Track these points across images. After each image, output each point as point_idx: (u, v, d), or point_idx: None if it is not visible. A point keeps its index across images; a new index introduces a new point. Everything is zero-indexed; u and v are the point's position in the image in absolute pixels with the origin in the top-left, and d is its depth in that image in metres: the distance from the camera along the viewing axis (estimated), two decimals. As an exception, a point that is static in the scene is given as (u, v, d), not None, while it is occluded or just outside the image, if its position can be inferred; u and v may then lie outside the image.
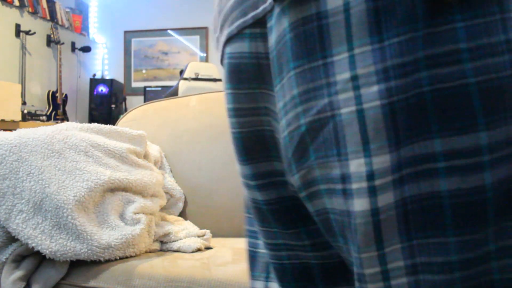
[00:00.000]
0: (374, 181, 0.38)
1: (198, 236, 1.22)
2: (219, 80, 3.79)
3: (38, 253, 0.99)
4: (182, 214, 1.45)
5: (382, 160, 0.38)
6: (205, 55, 5.62)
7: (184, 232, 1.22)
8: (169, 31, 5.65)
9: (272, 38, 0.45)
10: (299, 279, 0.52)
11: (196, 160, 1.50)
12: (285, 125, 0.44)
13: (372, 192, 0.38)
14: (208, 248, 1.19)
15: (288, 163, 0.45)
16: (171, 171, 1.51)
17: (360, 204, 0.38)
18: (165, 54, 5.69)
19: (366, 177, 0.38)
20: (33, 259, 1.00)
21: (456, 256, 0.37)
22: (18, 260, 1.00)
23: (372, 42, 0.37)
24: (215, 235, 1.34)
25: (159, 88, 5.34)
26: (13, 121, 3.27)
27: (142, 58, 5.74)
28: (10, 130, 1.57)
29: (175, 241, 1.19)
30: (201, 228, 1.30)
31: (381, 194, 0.38)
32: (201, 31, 5.60)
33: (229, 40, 0.51)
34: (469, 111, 0.36)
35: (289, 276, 0.52)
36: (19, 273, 0.96)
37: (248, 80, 0.49)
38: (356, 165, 0.38)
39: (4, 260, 1.00)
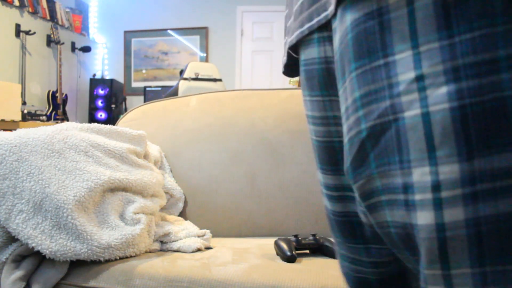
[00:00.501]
0: (440, 192, 0.34)
1: (198, 236, 1.22)
2: (219, 80, 3.79)
3: (38, 253, 0.99)
4: (182, 214, 1.45)
5: (450, 170, 0.33)
6: (205, 55, 5.62)
7: (184, 232, 1.22)
8: (169, 31, 5.65)
9: (336, 39, 0.43)
10: None
11: (196, 160, 1.50)
12: (346, 131, 0.42)
13: (438, 204, 0.34)
14: (208, 248, 1.19)
15: (347, 172, 0.43)
16: (171, 171, 1.51)
17: (423, 217, 0.35)
18: (165, 54, 5.69)
19: (431, 188, 0.34)
20: (33, 259, 1.00)
21: None
22: (18, 260, 1.00)
23: (440, 38, 0.33)
24: (215, 235, 1.34)
25: (159, 88, 5.34)
26: (13, 121, 3.27)
27: (142, 58, 5.74)
28: (10, 130, 1.57)
29: (175, 241, 1.19)
30: (201, 228, 1.30)
31: (448, 208, 0.33)
32: (201, 31, 5.60)
33: (301, 46, 0.50)
34: None
35: (351, 284, 0.53)
36: (19, 273, 0.96)
37: (319, 86, 0.49)
38: (420, 174, 0.35)
39: (4, 260, 1.00)
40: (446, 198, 0.33)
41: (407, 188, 0.36)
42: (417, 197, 0.35)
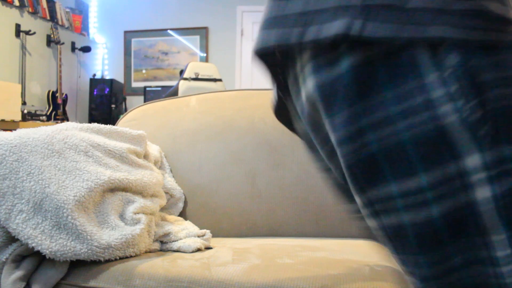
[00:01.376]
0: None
1: (198, 236, 1.22)
2: (219, 80, 3.79)
3: (38, 253, 0.99)
4: (182, 214, 1.45)
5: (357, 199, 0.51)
6: (205, 55, 5.62)
7: (184, 232, 1.22)
8: (169, 31, 5.65)
9: (303, 97, 0.59)
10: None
11: (196, 160, 1.50)
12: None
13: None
14: (208, 248, 1.19)
15: None
16: (171, 171, 1.51)
17: None
18: (165, 54, 5.69)
19: None
20: (33, 259, 1.00)
21: (427, 270, 0.47)
22: (18, 260, 1.00)
23: (327, 117, 0.50)
24: (215, 235, 1.33)
25: (159, 88, 5.34)
26: (13, 121, 3.27)
27: (142, 58, 5.74)
28: (10, 130, 1.57)
29: (175, 241, 1.19)
30: (201, 228, 1.30)
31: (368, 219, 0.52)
32: (201, 31, 5.60)
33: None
34: (409, 159, 0.45)
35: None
36: (19, 273, 0.96)
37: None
38: None
39: (4, 260, 0.99)
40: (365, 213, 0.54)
41: None
42: None
